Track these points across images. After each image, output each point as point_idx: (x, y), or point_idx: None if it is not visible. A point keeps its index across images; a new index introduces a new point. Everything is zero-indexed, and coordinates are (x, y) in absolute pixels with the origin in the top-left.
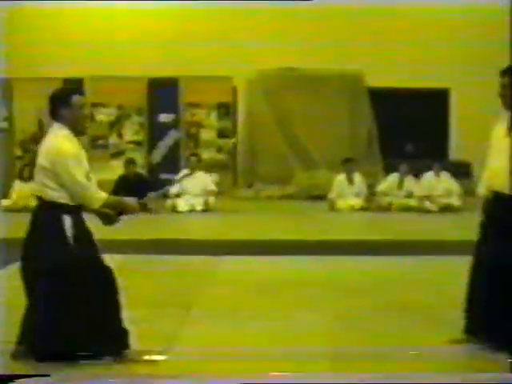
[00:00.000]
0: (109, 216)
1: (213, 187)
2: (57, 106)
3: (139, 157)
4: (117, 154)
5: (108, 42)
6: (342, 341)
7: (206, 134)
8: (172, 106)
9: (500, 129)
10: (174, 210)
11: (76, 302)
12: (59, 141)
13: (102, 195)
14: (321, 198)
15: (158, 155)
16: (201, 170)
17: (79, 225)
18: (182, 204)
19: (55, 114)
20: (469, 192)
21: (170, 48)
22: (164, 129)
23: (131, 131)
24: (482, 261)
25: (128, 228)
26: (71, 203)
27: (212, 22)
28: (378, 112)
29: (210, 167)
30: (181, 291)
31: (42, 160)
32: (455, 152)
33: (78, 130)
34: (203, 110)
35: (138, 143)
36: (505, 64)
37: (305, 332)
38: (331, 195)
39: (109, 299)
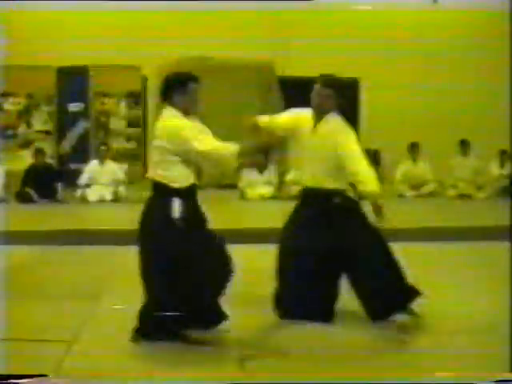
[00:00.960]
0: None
1: (122, 177)
2: (172, 90)
3: (48, 146)
4: (26, 144)
5: (17, 31)
6: None
7: (116, 124)
8: (82, 95)
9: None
10: (83, 200)
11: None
12: (176, 120)
13: (233, 146)
14: (231, 187)
15: (67, 145)
16: (110, 160)
17: (191, 207)
18: (92, 194)
19: (169, 98)
20: (378, 179)
21: (80, 37)
22: (74, 118)
23: (40, 121)
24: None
25: (37, 218)
26: (184, 185)
27: (123, 11)
28: (289, 101)
29: (119, 157)
30: (89, 282)
31: (159, 141)
32: (365, 140)
33: (187, 115)
34: (113, 99)
35: (47, 133)
36: (413, 54)
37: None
38: (241, 184)
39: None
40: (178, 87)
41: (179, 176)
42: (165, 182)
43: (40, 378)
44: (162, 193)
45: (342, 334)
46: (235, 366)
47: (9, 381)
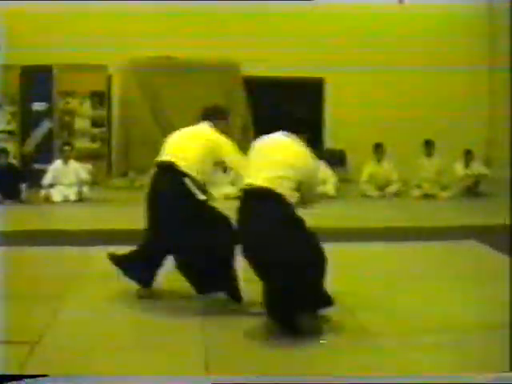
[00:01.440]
0: None
1: (86, 177)
2: None
3: (12, 147)
4: None
5: None
6: None
7: (80, 123)
8: (45, 94)
9: None
10: (47, 200)
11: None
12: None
13: None
14: None
15: (30, 145)
16: (74, 160)
17: None
18: (56, 194)
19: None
20: (343, 180)
21: (44, 36)
22: (37, 118)
23: (3, 121)
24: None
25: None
26: None
27: (89, 8)
28: (254, 101)
29: (83, 156)
30: (53, 282)
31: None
32: (330, 140)
33: None
34: (77, 99)
35: (10, 133)
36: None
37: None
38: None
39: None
40: None
41: None
42: (279, 191)
43: (40, 378)
44: (274, 200)
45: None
46: None
47: (8, 381)
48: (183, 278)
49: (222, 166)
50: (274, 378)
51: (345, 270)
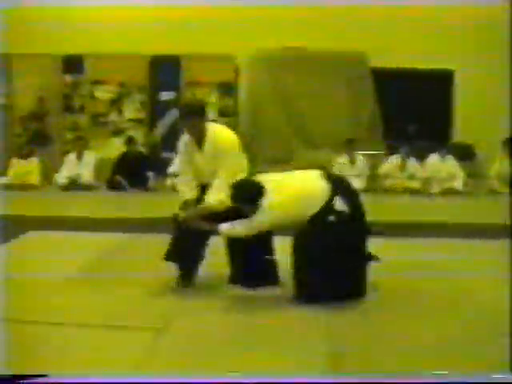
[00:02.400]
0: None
1: None
2: None
3: (140, 135)
4: (117, 132)
5: (109, 20)
6: None
7: (207, 113)
8: (173, 84)
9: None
10: (173, 188)
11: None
12: None
13: None
14: None
15: (158, 133)
16: None
17: None
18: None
19: None
20: (472, 175)
21: (173, 26)
22: (165, 107)
23: (132, 109)
24: None
25: (127, 206)
26: None
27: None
28: (381, 93)
29: None
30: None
31: None
32: (459, 134)
33: None
34: (204, 89)
35: (138, 121)
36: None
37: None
38: None
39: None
40: None
41: None
42: None
43: (40, 378)
44: None
45: None
46: None
47: (8, 380)
48: None
49: (350, 159)
50: (274, 378)
51: None
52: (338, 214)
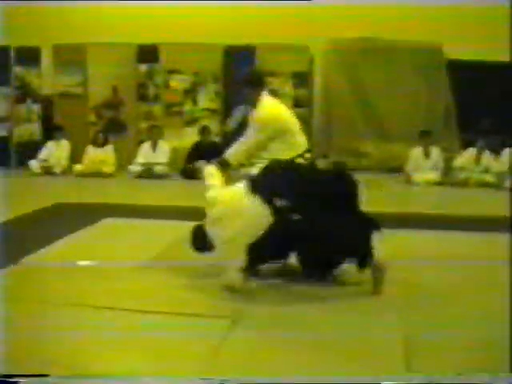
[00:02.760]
0: None
1: None
2: None
3: (214, 124)
4: (191, 122)
5: (184, 10)
6: None
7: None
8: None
9: None
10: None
11: None
12: None
13: None
14: (396, 170)
15: (232, 123)
16: None
17: None
18: (256, 171)
19: None
20: None
21: (248, 15)
22: (239, 97)
23: (206, 99)
24: None
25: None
26: None
27: None
28: (456, 85)
29: None
30: None
31: None
32: None
33: None
34: (279, 79)
35: (213, 111)
36: None
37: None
38: (407, 168)
39: None
40: None
41: None
42: None
43: (40, 378)
44: None
45: None
46: None
47: (8, 380)
48: None
49: (425, 151)
50: (274, 378)
51: None
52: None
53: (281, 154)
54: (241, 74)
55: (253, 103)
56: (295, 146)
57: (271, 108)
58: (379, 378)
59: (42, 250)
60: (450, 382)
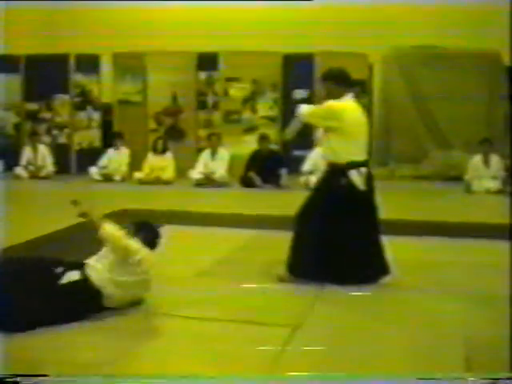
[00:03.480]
0: None
1: None
2: None
3: (272, 132)
4: (250, 130)
5: (242, 18)
6: None
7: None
8: (307, 81)
9: None
10: (307, 186)
11: None
12: None
13: None
14: (455, 179)
15: (291, 131)
16: None
17: None
18: (315, 180)
19: None
20: None
21: (306, 24)
22: (298, 105)
23: (265, 106)
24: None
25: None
26: None
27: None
28: None
29: None
30: None
31: None
32: None
33: None
34: None
35: (271, 119)
36: None
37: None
38: (467, 176)
39: None
40: None
41: None
42: None
43: (40, 378)
44: None
45: None
46: None
47: (8, 380)
48: None
49: (484, 159)
50: (274, 378)
51: None
52: None
53: (344, 156)
54: (299, 81)
55: (331, 98)
56: (358, 154)
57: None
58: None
59: None
60: (449, 381)
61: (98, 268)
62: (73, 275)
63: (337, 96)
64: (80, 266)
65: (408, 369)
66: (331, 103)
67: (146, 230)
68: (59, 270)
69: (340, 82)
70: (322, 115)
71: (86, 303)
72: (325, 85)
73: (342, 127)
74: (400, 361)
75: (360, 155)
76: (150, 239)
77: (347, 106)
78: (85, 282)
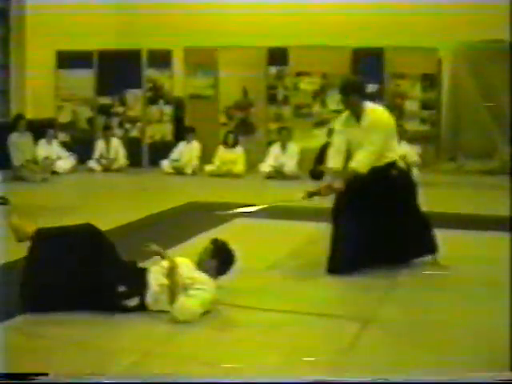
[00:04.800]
0: None
1: (415, 158)
2: None
3: None
4: (320, 123)
5: (310, 12)
6: None
7: (410, 105)
8: (376, 76)
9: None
10: None
11: None
12: None
13: None
14: None
15: None
16: (404, 141)
17: None
18: None
19: None
20: None
21: (376, 17)
22: (369, 99)
23: (335, 101)
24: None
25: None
26: None
27: None
28: None
29: (413, 138)
30: None
31: None
32: None
33: None
34: (407, 81)
35: (341, 113)
36: None
37: None
38: None
39: None
40: None
41: None
42: None
43: (41, 377)
44: None
45: None
46: None
47: (10, 379)
48: None
49: None
50: (274, 378)
51: None
52: None
53: (385, 155)
54: (368, 76)
55: (355, 110)
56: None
57: (383, 112)
58: (379, 378)
59: (178, 247)
60: (449, 381)
61: (158, 299)
62: (133, 301)
63: (358, 104)
64: (141, 288)
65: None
66: (386, 116)
67: (224, 255)
68: (121, 289)
69: (356, 91)
70: (390, 133)
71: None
72: (343, 97)
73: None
74: None
75: None
76: (225, 267)
77: (384, 112)
78: (142, 306)
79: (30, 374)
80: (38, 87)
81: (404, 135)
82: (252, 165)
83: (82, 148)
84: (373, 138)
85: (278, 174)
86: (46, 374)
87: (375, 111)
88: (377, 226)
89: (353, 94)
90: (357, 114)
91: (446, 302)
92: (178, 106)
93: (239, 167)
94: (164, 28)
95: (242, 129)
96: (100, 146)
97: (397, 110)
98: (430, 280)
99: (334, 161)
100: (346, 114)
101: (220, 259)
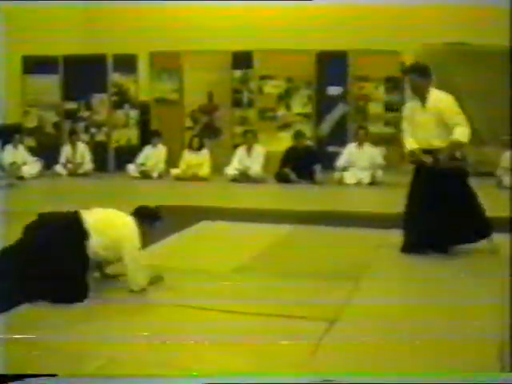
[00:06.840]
0: None
1: (380, 161)
2: None
3: (307, 129)
4: (284, 126)
5: (274, 16)
6: None
7: (374, 108)
8: (340, 79)
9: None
10: (340, 182)
11: None
12: None
13: None
14: (488, 174)
15: (325, 128)
16: (368, 144)
17: None
18: (349, 177)
19: None
20: None
21: (339, 21)
22: (332, 102)
23: (300, 104)
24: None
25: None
26: None
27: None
28: None
29: (377, 141)
30: (346, 262)
31: None
32: None
33: None
34: (371, 84)
35: (306, 116)
36: None
37: None
38: (499, 172)
39: None
40: None
41: None
42: None
43: (47, 378)
44: None
45: None
46: None
47: (15, 380)
48: None
49: None
50: (273, 377)
51: None
52: None
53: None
54: (333, 79)
55: (419, 91)
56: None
57: (448, 97)
58: (379, 377)
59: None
60: (449, 381)
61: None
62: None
63: (424, 87)
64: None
65: None
66: (451, 99)
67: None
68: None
69: (423, 74)
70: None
71: None
72: (410, 78)
73: None
74: None
75: None
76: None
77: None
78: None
79: (37, 375)
80: (4, 93)
81: (368, 137)
82: (218, 168)
83: (48, 153)
84: (457, 117)
85: (243, 177)
86: (55, 375)
87: (440, 94)
88: (450, 210)
89: (423, 77)
90: (423, 97)
91: None
92: (144, 110)
93: (205, 170)
94: (129, 33)
95: (208, 132)
96: (66, 150)
97: (361, 112)
98: None
99: (411, 144)
100: (411, 101)
101: (143, 220)
